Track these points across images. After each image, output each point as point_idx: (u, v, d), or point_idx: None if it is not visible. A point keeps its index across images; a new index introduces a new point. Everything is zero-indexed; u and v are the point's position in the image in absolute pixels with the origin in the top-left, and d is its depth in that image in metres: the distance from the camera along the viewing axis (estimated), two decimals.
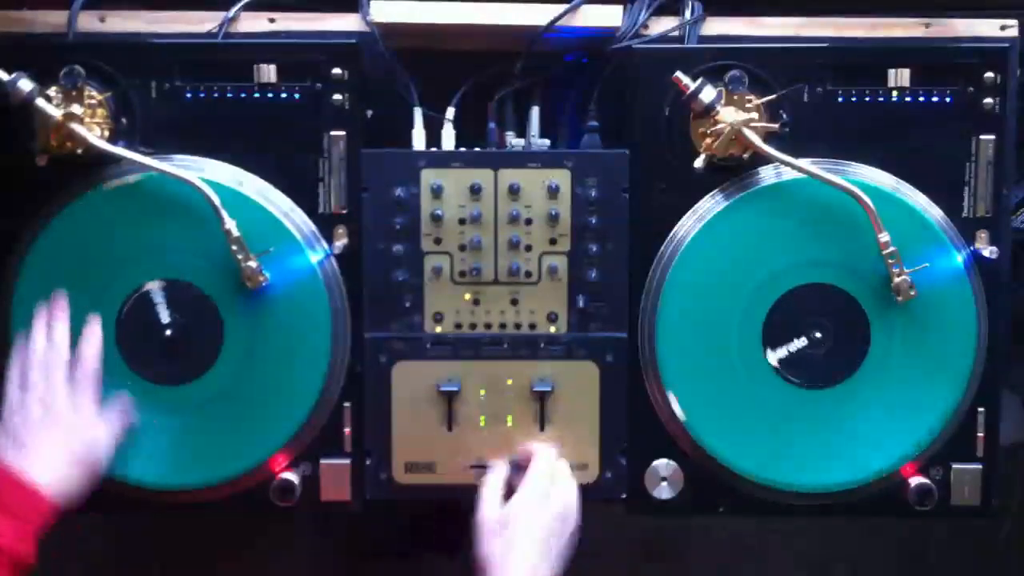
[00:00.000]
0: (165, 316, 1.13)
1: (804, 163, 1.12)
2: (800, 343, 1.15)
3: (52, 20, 1.15)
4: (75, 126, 1.07)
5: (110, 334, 1.13)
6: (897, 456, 1.17)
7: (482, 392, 1.16)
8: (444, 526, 1.39)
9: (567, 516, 1.11)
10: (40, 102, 1.07)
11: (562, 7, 1.15)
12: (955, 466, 1.18)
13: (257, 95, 1.13)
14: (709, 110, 1.10)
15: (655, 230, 1.16)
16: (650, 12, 1.17)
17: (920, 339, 1.15)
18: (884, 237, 1.10)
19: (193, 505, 1.16)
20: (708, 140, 1.12)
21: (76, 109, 1.08)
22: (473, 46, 1.23)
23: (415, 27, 1.17)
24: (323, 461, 1.16)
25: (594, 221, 1.15)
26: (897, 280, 1.11)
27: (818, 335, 1.15)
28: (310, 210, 1.15)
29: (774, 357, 1.15)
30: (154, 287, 1.13)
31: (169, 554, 1.62)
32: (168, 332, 1.13)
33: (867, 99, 1.15)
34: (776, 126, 1.13)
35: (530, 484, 1.11)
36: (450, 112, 1.22)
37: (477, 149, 1.20)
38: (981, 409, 1.17)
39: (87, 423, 1.08)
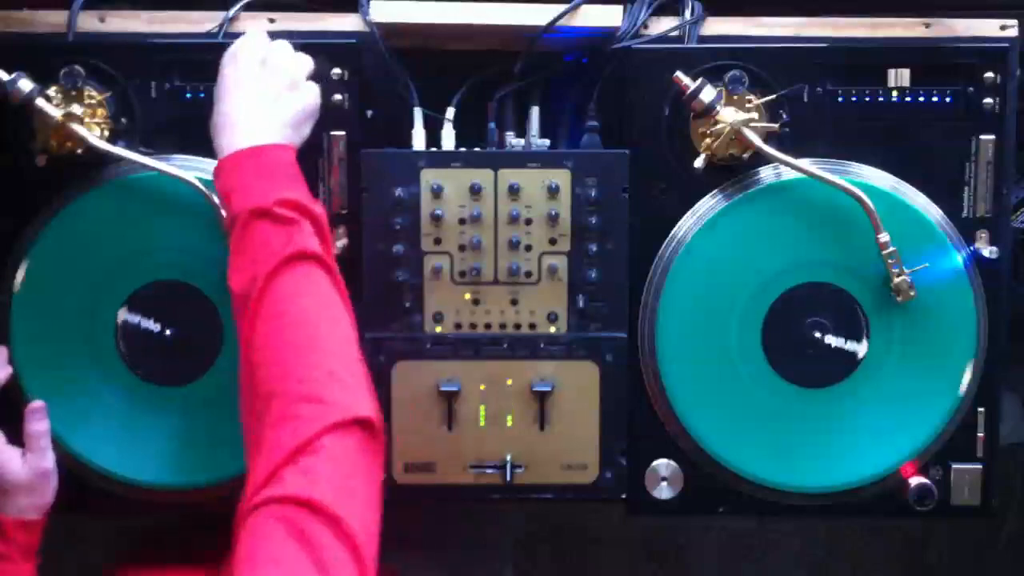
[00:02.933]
0: (155, 326, 1.13)
1: (804, 163, 1.12)
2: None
3: (52, 20, 1.15)
4: (75, 126, 1.07)
5: (110, 335, 1.13)
6: (897, 456, 1.17)
7: (482, 392, 1.16)
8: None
9: (286, 69, 1.06)
10: (40, 102, 1.07)
11: (562, 7, 1.15)
12: (955, 466, 1.18)
13: None
14: (709, 110, 1.10)
15: (655, 230, 1.16)
16: (650, 12, 1.17)
17: (920, 339, 1.15)
18: (884, 237, 1.10)
19: (193, 505, 1.16)
20: (708, 140, 1.12)
21: (76, 109, 1.08)
22: (473, 46, 1.23)
23: (415, 27, 1.17)
24: None
25: (594, 221, 1.15)
26: (897, 280, 1.11)
27: (818, 335, 1.15)
28: None
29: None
30: (122, 315, 1.13)
31: (169, 554, 1.61)
32: (168, 333, 1.13)
33: (867, 99, 1.15)
34: (776, 126, 1.13)
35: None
36: (450, 112, 1.22)
37: (477, 149, 1.20)
38: (981, 409, 1.17)
39: None
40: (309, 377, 0.90)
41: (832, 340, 1.15)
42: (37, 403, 1.10)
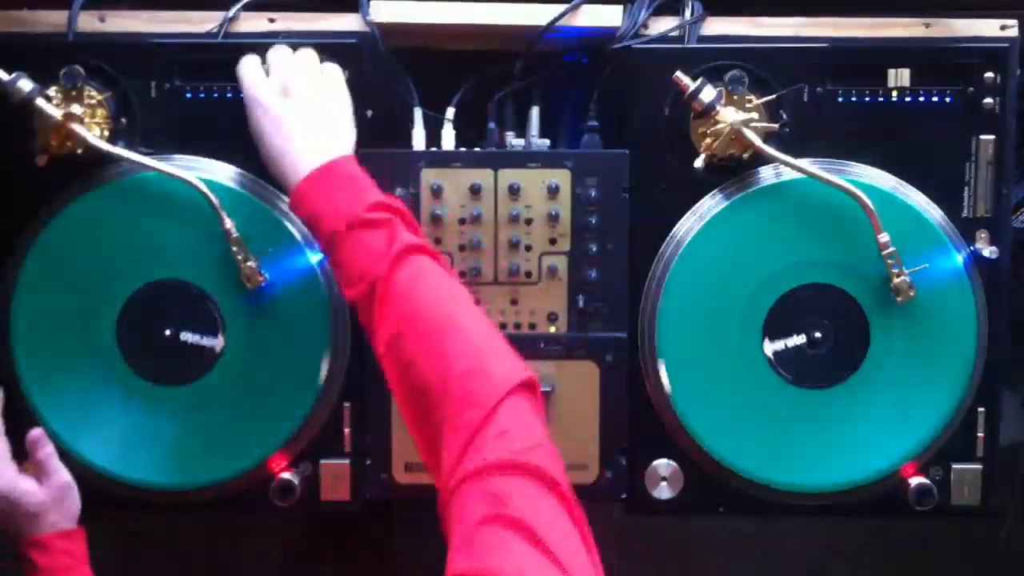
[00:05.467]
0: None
1: (804, 163, 1.12)
2: (798, 340, 1.15)
3: (52, 20, 1.15)
4: (75, 126, 1.07)
5: (110, 335, 1.13)
6: (897, 456, 1.17)
7: None
8: None
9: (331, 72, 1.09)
10: (40, 102, 1.07)
11: (562, 7, 1.15)
12: (955, 466, 1.18)
13: None
14: (709, 110, 1.10)
15: (655, 230, 1.16)
16: (650, 12, 1.16)
17: (920, 339, 1.15)
18: (884, 237, 1.10)
19: (193, 505, 1.16)
20: (708, 140, 1.12)
21: (76, 109, 1.08)
22: (473, 46, 1.23)
23: (415, 27, 1.17)
24: (323, 461, 1.16)
25: (594, 221, 1.15)
26: (897, 280, 1.11)
27: (818, 335, 1.15)
28: None
29: (770, 349, 1.15)
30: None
31: (169, 554, 1.62)
32: (167, 332, 1.13)
33: (867, 99, 1.15)
34: (776, 126, 1.13)
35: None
36: (450, 112, 1.22)
37: (477, 149, 1.20)
38: (981, 409, 1.17)
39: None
40: (464, 354, 0.91)
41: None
42: (36, 431, 1.10)
